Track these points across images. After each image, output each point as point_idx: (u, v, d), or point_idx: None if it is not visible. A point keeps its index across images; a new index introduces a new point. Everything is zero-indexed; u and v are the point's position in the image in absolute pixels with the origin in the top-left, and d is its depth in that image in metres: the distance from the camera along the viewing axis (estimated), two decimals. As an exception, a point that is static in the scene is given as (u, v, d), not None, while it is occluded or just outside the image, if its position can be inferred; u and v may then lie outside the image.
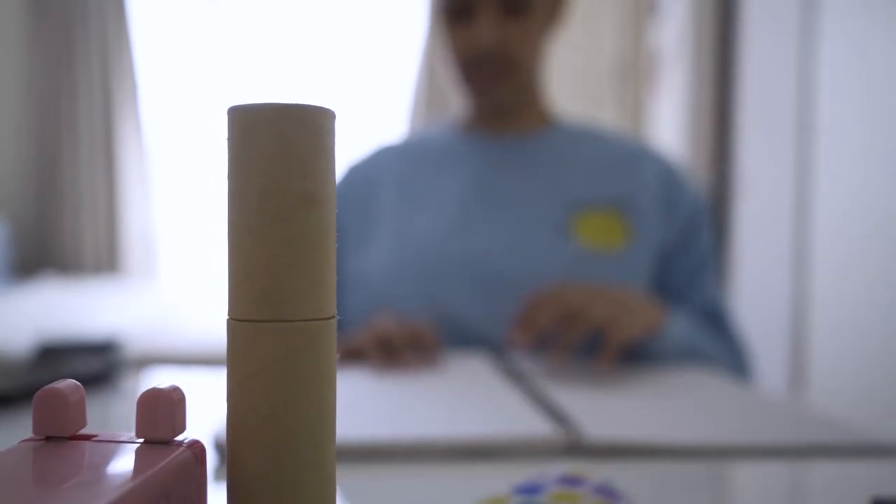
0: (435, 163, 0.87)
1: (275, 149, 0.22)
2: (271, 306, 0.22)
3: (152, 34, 3.29)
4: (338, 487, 0.37)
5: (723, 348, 0.81)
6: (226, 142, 0.22)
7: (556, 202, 0.82)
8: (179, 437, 0.22)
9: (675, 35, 2.71)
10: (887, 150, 1.51)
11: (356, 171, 0.90)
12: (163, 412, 0.21)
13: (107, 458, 0.20)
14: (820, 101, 1.78)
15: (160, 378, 0.66)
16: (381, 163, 0.89)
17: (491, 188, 0.83)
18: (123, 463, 0.20)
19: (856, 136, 1.62)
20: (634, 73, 3.24)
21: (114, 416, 0.51)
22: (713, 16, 2.52)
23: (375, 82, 3.35)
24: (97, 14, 3.17)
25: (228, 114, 0.22)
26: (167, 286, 2.98)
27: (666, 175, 0.86)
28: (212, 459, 0.41)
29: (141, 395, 0.22)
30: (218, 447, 0.42)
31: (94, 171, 3.23)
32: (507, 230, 0.80)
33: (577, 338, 0.63)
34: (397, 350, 0.68)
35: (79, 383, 0.22)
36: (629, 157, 0.86)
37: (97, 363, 0.61)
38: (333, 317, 0.23)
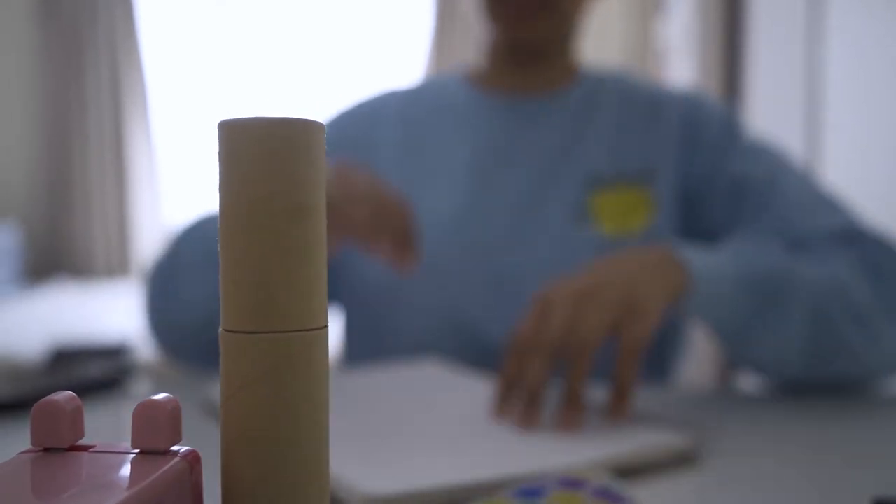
0: (445, 120, 0.78)
1: (264, 162, 0.22)
2: (263, 317, 0.22)
3: (161, 38, 3.31)
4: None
5: (846, 271, 0.58)
6: (217, 155, 0.23)
7: (576, 180, 0.73)
8: (175, 448, 0.22)
9: (681, 30, 2.70)
10: (895, 145, 1.50)
11: (360, 109, 0.82)
12: (158, 423, 0.22)
13: (103, 469, 0.21)
14: (827, 96, 1.76)
15: (167, 386, 0.66)
16: (389, 105, 0.81)
17: (504, 162, 0.74)
18: (119, 473, 0.21)
19: (863, 130, 1.60)
20: (641, 68, 3.23)
21: (125, 421, 0.52)
22: (719, 11, 2.51)
23: (386, 62, 3.36)
24: (106, 18, 3.19)
25: (219, 128, 0.23)
26: (178, 289, 2.99)
27: (686, 112, 0.75)
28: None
29: (136, 407, 0.22)
30: None
31: (105, 175, 3.25)
32: (521, 218, 0.72)
33: (581, 381, 0.46)
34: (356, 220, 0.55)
35: (75, 395, 0.22)
36: (650, 112, 0.76)
37: (109, 368, 0.62)
38: (325, 326, 0.23)
